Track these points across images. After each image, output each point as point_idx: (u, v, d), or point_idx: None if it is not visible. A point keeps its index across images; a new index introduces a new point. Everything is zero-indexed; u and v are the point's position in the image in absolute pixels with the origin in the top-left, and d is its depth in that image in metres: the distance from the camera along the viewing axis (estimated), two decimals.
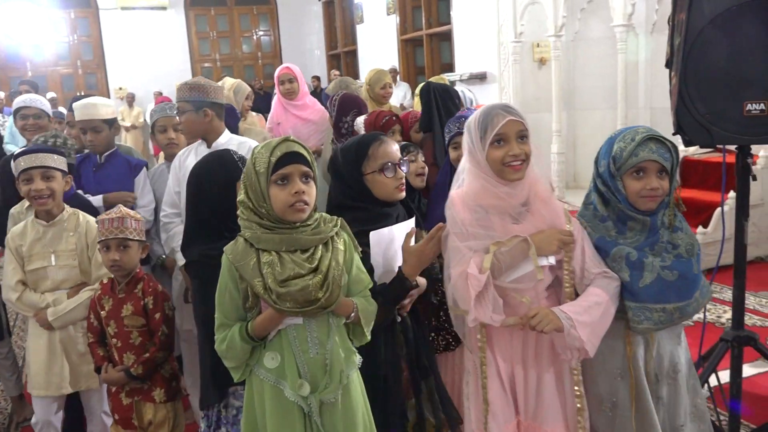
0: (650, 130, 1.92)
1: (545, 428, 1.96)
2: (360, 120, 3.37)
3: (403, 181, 2.12)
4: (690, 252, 1.97)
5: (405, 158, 2.17)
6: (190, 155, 2.88)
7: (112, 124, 3.17)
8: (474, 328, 1.97)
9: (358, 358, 1.95)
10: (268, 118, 4.61)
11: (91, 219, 2.65)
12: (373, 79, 4.51)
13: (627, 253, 1.90)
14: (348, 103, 3.65)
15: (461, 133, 2.60)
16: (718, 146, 2.69)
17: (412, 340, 2.18)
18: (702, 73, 2.24)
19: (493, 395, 1.98)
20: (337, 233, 1.86)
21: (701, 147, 3.16)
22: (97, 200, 3.02)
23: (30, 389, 2.64)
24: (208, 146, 2.86)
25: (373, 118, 3.23)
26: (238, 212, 1.82)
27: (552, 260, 1.88)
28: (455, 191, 1.95)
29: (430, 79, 5.02)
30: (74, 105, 3.27)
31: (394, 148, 2.13)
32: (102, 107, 3.14)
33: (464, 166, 1.95)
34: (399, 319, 2.13)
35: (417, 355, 2.19)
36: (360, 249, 1.93)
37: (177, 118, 3.02)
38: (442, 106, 3.34)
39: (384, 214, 2.11)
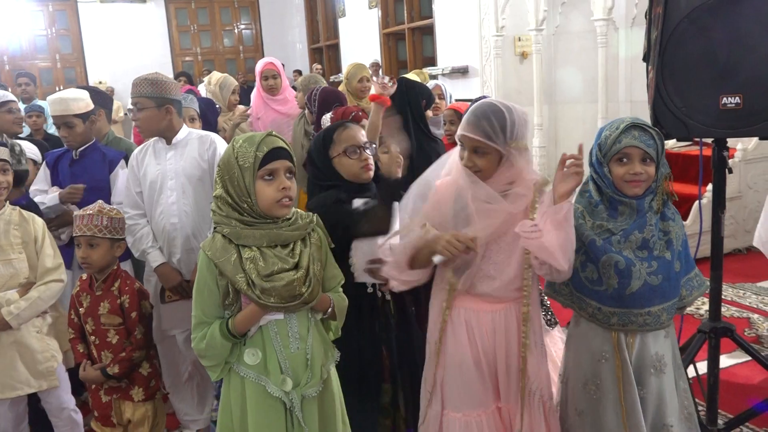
0: (635, 119, 1.97)
1: (527, 410, 1.99)
2: (327, 117, 3.37)
3: (369, 162, 2.24)
4: (678, 242, 2.02)
5: (372, 144, 2.27)
6: (148, 154, 2.80)
7: (86, 117, 3.09)
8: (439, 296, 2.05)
9: (336, 353, 1.96)
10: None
11: (33, 214, 2.62)
12: (351, 73, 4.52)
13: (615, 261, 1.94)
14: (330, 98, 3.67)
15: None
16: (695, 139, 2.72)
17: (393, 325, 2.24)
18: (678, 67, 2.26)
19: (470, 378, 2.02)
20: (312, 229, 1.86)
21: (678, 140, 3.18)
22: (52, 198, 2.95)
23: None
24: (168, 143, 2.78)
25: (340, 114, 3.23)
26: (213, 207, 1.81)
27: (436, 259, 1.94)
28: (440, 181, 2.03)
29: (406, 75, 5.04)
30: (48, 99, 3.20)
31: (358, 133, 2.27)
32: (73, 102, 3.05)
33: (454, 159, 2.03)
34: (380, 294, 2.22)
35: (399, 341, 2.24)
36: (333, 245, 1.95)
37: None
38: (412, 104, 3.38)
39: (358, 190, 2.22)
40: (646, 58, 2.42)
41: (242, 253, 1.75)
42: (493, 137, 1.91)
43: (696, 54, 2.23)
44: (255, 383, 1.81)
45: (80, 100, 3.09)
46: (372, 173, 2.26)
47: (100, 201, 2.48)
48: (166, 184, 2.73)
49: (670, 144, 5.69)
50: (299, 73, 13.04)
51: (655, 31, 2.28)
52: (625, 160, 1.94)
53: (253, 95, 4.51)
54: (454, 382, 2.03)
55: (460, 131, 1.97)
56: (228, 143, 2.04)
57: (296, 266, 1.79)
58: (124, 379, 2.41)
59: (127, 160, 3.00)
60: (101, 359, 2.39)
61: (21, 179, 2.74)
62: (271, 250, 1.77)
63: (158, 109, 2.70)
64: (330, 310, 1.91)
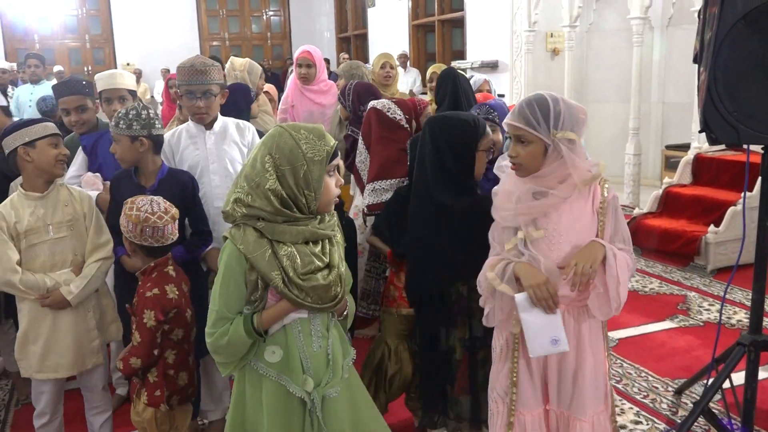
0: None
1: (579, 418, 1.96)
2: (393, 106, 3.28)
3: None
4: None
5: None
6: (182, 138, 2.80)
7: (135, 95, 3.14)
8: (508, 306, 1.99)
9: (353, 351, 1.92)
10: (282, 99, 4.53)
11: (83, 191, 2.62)
12: (375, 62, 4.58)
13: None
14: (365, 92, 3.65)
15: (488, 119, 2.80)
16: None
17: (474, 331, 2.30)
18: (732, 70, 2.17)
19: (521, 379, 2.01)
20: (336, 227, 1.84)
21: (727, 146, 3.08)
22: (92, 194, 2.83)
23: (32, 373, 2.50)
24: (209, 127, 2.79)
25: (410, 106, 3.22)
26: (253, 202, 1.70)
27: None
28: (496, 188, 2.05)
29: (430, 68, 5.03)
30: (97, 77, 3.18)
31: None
32: (127, 77, 3.11)
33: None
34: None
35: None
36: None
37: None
38: (464, 93, 3.37)
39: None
40: (697, 60, 2.34)
41: (276, 249, 1.69)
42: (535, 125, 1.87)
43: (751, 57, 2.14)
44: (274, 381, 1.76)
45: (130, 77, 3.15)
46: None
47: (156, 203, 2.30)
48: (209, 168, 2.73)
49: (704, 148, 5.58)
50: (327, 61, 12.97)
51: (709, 31, 2.20)
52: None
53: (289, 82, 4.47)
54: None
55: (505, 120, 1.96)
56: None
57: (328, 266, 1.75)
58: (129, 377, 2.32)
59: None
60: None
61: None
62: (305, 247, 1.72)
63: (221, 95, 2.75)
64: (345, 312, 1.88)
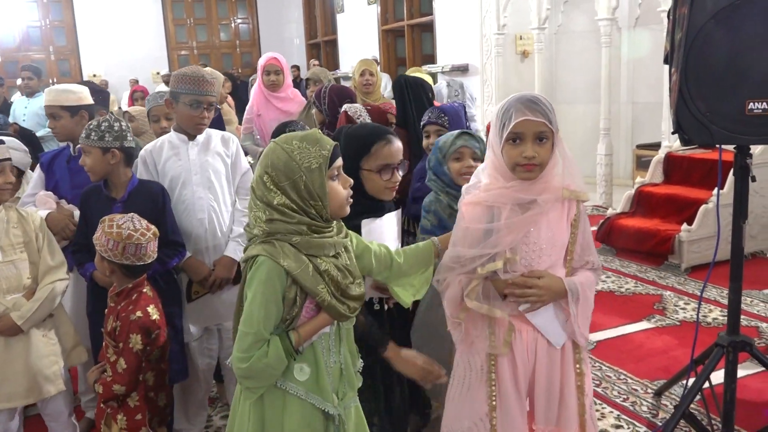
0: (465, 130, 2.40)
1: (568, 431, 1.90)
2: (358, 108, 3.24)
3: (396, 185, 2.07)
4: None
5: (404, 162, 2.09)
6: (164, 149, 2.72)
7: (75, 111, 2.96)
8: (484, 327, 1.89)
9: (359, 361, 1.88)
10: (247, 108, 4.45)
11: (32, 211, 2.53)
12: (355, 69, 4.51)
13: None
14: (340, 94, 3.63)
15: (432, 123, 2.83)
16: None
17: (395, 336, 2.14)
18: (703, 70, 2.16)
19: (505, 402, 1.88)
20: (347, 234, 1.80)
21: (700, 146, 3.08)
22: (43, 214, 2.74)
23: None
24: (191, 138, 2.71)
25: (376, 114, 3.20)
26: (273, 217, 1.63)
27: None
28: (465, 201, 1.88)
29: (405, 73, 5.03)
30: (44, 91, 3.10)
31: (398, 151, 2.06)
32: (63, 93, 2.96)
33: (485, 164, 1.90)
34: (385, 307, 2.14)
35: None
36: None
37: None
38: (414, 99, 3.36)
39: (375, 207, 2.07)
40: (667, 60, 2.32)
41: (316, 263, 1.63)
42: (552, 120, 1.75)
43: (722, 56, 2.12)
44: (301, 401, 1.69)
45: (72, 93, 2.98)
46: (393, 195, 2.11)
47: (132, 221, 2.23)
48: (191, 179, 2.67)
49: (675, 146, 5.61)
50: (297, 68, 12.91)
51: (679, 32, 2.18)
52: (459, 159, 2.30)
53: (254, 91, 4.39)
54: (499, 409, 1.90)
55: (517, 119, 1.73)
56: None
57: (354, 278, 1.72)
58: (107, 401, 2.22)
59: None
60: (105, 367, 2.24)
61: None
62: (336, 260, 1.68)
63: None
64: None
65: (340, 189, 1.67)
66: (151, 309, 2.21)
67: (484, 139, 2.27)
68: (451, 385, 1.97)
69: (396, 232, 2.16)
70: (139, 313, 2.16)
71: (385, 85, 10.17)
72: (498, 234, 1.78)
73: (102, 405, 2.24)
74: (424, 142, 2.87)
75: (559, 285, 1.83)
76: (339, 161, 1.67)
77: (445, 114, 2.82)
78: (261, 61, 4.33)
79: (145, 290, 2.24)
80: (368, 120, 3.08)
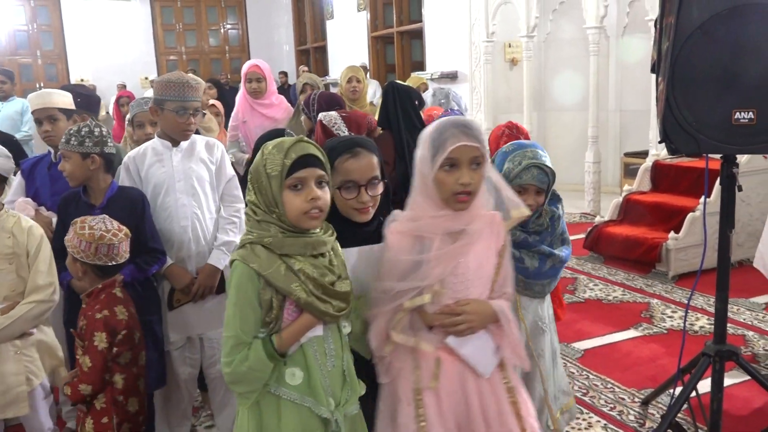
0: (535, 158, 2.16)
1: None
2: (334, 116, 3.24)
3: (367, 206, 1.84)
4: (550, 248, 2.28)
5: (378, 180, 1.87)
6: (148, 155, 2.69)
7: (70, 115, 3.01)
8: (408, 360, 1.79)
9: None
10: (233, 115, 4.42)
11: (34, 224, 2.46)
12: (342, 75, 4.54)
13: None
14: (329, 101, 3.63)
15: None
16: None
17: None
18: (690, 79, 2.16)
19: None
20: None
21: (687, 156, 3.09)
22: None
23: None
24: (175, 145, 2.68)
25: (353, 123, 3.17)
26: (248, 212, 1.68)
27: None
28: (391, 229, 1.77)
29: (400, 80, 5.09)
30: (29, 97, 3.08)
31: (365, 164, 1.84)
32: (58, 95, 2.99)
33: (412, 191, 1.79)
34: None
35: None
36: None
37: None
38: (399, 105, 3.42)
39: (351, 229, 1.86)
40: (655, 69, 2.32)
41: (290, 263, 1.63)
42: (485, 144, 1.70)
43: (708, 66, 2.12)
44: (297, 405, 1.67)
45: (65, 96, 3.00)
46: (370, 215, 1.88)
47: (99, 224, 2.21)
48: (174, 186, 2.64)
49: (662, 155, 5.63)
50: (285, 74, 12.90)
51: (666, 41, 2.18)
52: (521, 191, 2.15)
53: (239, 97, 4.36)
54: None
55: (453, 144, 1.65)
56: None
57: (339, 277, 1.70)
58: (79, 404, 2.20)
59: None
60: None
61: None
62: (316, 260, 1.66)
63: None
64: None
65: (295, 201, 1.62)
66: (118, 309, 2.19)
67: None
68: (378, 415, 1.85)
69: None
70: (105, 312, 2.15)
71: (374, 92, 10.19)
72: (428, 265, 1.70)
73: (78, 407, 2.23)
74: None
75: (488, 308, 1.76)
76: (305, 173, 1.63)
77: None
78: (243, 69, 4.33)
79: (114, 291, 2.23)
80: (344, 129, 3.07)
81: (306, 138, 1.71)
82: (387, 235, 1.78)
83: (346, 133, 3.03)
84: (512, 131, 3.64)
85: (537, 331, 2.29)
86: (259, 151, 1.68)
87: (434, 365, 1.76)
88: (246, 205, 1.72)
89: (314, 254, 1.66)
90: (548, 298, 2.38)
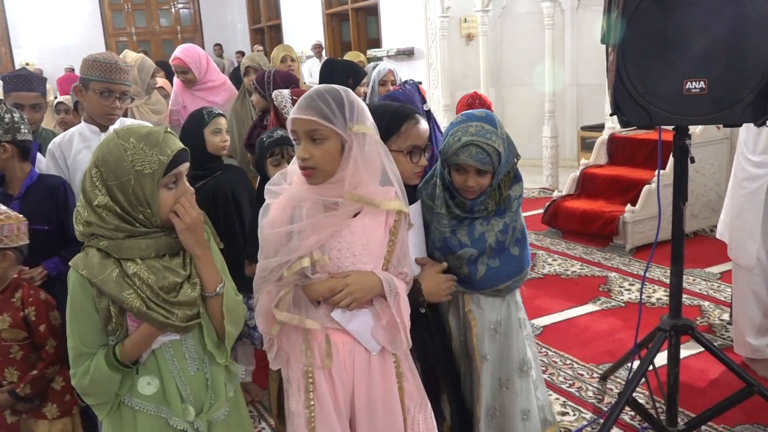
0: (477, 134, 1.94)
1: None
2: (285, 94, 3.14)
3: (422, 170, 1.92)
4: (505, 234, 2.06)
5: (429, 145, 1.95)
6: (74, 141, 2.59)
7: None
8: (298, 341, 1.72)
9: (241, 368, 1.78)
10: (171, 98, 4.28)
11: None
12: (274, 56, 4.50)
13: (470, 255, 2.02)
14: (285, 79, 3.56)
15: None
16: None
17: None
18: (640, 50, 2.09)
19: (328, 425, 1.70)
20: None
21: (640, 128, 3.04)
22: None
23: None
24: (104, 129, 2.57)
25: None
26: (87, 218, 1.52)
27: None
28: (272, 203, 1.70)
29: (346, 56, 5.07)
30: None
31: (424, 129, 1.89)
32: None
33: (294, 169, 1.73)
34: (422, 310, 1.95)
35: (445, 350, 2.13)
36: (221, 245, 1.72)
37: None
38: (335, 82, 3.34)
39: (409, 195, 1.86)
40: (604, 40, 2.26)
41: (125, 267, 1.51)
42: (330, 117, 1.59)
43: (659, 35, 2.06)
44: (153, 416, 1.58)
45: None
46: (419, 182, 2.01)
47: None
48: None
49: (617, 128, 5.63)
50: (242, 54, 12.63)
51: (615, 10, 2.11)
52: (461, 171, 1.98)
53: (175, 83, 4.22)
54: None
55: (290, 117, 1.63)
56: None
57: (188, 278, 1.57)
58: (36, 399, 2.14)
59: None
60: (5, 377, 2.11)
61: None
62: (159, 261, 1.54)
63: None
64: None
65: (170, 200, 1.54)
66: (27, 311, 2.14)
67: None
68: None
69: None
70: (42, 294, 2.15)
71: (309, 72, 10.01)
72: (299, 235, 1.62)
73: (9, 417, 2.14)
74: None
75: (371, 279, 1.67)
76: (182, 168, 1.55)
77: (396, 99, 2.73)
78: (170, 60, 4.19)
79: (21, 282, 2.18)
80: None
81: (168, 128, 1.60)
82: (269, 202, 1.69)
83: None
84: (474, 101, 3.56)
85: (489, 333, 2.10)
86: (111, 142, 1.52)
87: (325, 344, 1.69)
88: (89, 208, 1.53)
89: (161, 254, 1.55)
90: (513, 302, 2.15)
